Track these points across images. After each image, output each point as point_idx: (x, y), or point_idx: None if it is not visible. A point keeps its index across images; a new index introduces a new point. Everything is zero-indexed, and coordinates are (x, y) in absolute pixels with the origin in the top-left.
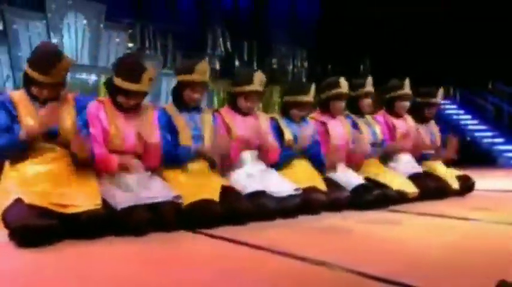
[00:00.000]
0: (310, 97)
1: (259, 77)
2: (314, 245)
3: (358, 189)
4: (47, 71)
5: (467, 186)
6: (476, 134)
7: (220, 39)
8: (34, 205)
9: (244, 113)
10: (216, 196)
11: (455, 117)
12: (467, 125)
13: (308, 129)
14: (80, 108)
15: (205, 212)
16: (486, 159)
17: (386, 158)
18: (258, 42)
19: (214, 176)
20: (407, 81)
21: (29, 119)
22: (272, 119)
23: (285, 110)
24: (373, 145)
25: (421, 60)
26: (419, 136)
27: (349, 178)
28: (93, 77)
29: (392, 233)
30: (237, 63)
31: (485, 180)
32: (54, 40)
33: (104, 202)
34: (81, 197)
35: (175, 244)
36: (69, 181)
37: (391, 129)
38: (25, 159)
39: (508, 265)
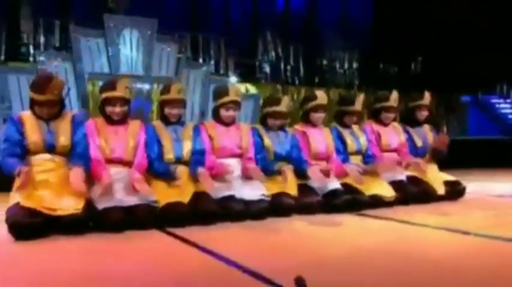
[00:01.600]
0: (283, 107)
1: (234, 89)
2: (243, 245)
3: (329, 194)
4: (42, 91)
5: (456, 191)
6: None
7: (271, 44)
8: (26, 206)
9: (227, 123)
10: (185, 199)
11: (510, 116)
12: None
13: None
14: (78, 124)
15: (173, 213)
16: None
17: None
18: (309, 45)
19: (191, 182)
20: (394, 94)
21: (33, 135)
22: (253, 128)
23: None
24: (358, 153)
25: (473, 59)
26: (405, 144)
27: (325, 184)
28: (146, 86)
29: (326, 235)
30: (285, 67)
31: None
32: (111, 54)
33: (90, 202)
34: (67, 202)
35: (134, 240)
36: (61, 187)
37: (378, 138)
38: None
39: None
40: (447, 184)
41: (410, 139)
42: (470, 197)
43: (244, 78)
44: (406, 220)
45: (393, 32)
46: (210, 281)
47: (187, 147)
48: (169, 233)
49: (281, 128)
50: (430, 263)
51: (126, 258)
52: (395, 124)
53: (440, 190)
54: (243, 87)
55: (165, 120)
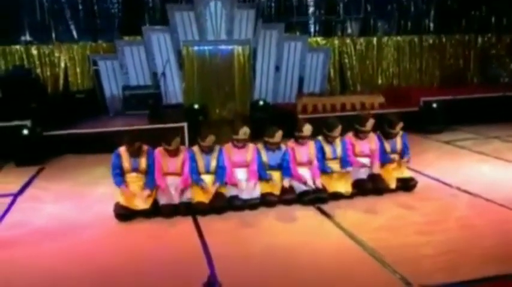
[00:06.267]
0: (277, 139)
1: (243, 131)
2: (221, 234)
3: (301, 193)
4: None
5: (406, 186)
6: None
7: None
8: (122, 205)
9: (239, 147)
10: (208, 199)
11: None
12: None
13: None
14: (150, 154)
15: (198, 208)
16: None
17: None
18: None
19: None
20: (369, 121)
21: (126, 163)
22: (257, 148)
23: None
24: (334, 159)
25: None
26: (376, 150)
27: (301, 185)
28: (229, 47)
29: (271, 229)
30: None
31: None
32: (200, 23)
33: (156, 201)
34: (143, 202)
35: (169, 225)
36: (139, 193)
37: (353, 147)
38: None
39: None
40: (400, 180)
41: (381, 147)
42: (422, 189)
43: (323, 34)
44: (338, 221)
45: None
46: (174, 257)
47: (213, 164)
48: (195, 220)
49: (278, 147)
50: (304, 259)
51: (153, 236)
52: (371, 135)
53: (392, 185)
54: (313, 41)
55: (200, 148)
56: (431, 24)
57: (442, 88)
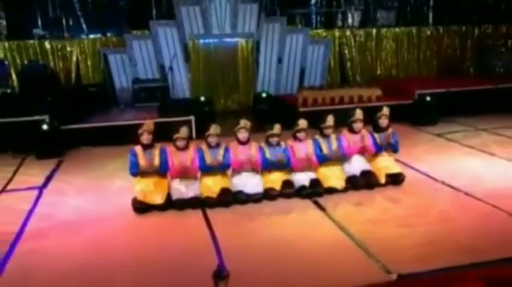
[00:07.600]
0: (277, 130)
1: (244, 122)
2: (225, 226)
3: (299, 188)
4: (143, 125)
5: (395, 181)
6: None
7: None
8: (139, 199)
9: (243, 143)
10: (215, 194)
11: None
12: None
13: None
14: (163, 151)
15: (206, 202)
16: None
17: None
18: None
19: (222, 181)
20: (358, 111)
21: (142, 160)
22: (260, 146)
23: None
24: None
25: None
26: (368, 143)
27: (299, 180)
28: (234, 40)
29: (271, 222)
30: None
31: None
32: (205, 18)
33: (170, 195)
34: (157, 196)
35: (179, 216)
36: (155, 188)
37: (348, 143)
38: (141, 176)
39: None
40: (390, 175)
41: (374, 140)
42: (410, 183)
43: (324, 25)
44: (331, 214)
45: None
46: (178, 246)
47: (219, 160)
48: (204, 213)
49: (279, 143)
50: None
51: (166, 227)
52: (364, 131)
53: (382, 180)
54: (315, 33)
55: (207, 143)
56: (430, 14)
57: (438, 79)
